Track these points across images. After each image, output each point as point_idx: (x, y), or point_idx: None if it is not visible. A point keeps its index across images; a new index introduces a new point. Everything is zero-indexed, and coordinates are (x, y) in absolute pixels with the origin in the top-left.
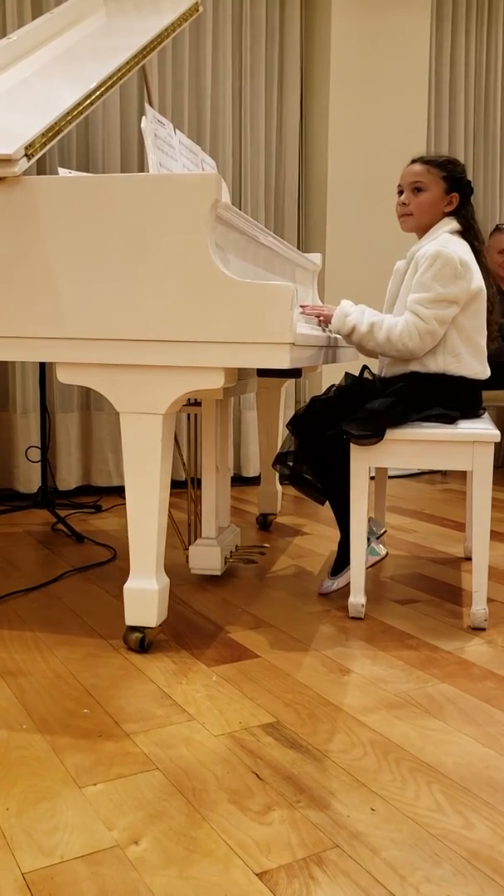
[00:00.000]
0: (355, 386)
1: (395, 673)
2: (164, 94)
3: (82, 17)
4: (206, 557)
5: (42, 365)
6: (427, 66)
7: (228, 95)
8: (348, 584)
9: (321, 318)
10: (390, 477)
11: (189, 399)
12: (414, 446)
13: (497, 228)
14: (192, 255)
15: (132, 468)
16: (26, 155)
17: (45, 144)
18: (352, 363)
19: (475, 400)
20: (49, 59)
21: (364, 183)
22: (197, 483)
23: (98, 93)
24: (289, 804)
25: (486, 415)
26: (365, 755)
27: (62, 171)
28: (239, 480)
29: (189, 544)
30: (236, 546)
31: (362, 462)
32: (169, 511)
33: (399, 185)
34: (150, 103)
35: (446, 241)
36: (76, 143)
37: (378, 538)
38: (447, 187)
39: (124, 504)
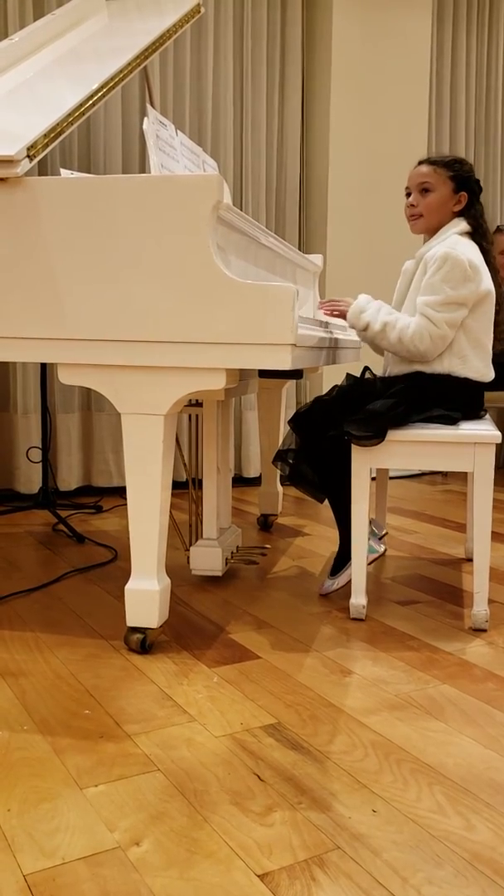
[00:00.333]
0: (356, 387)
1: (396, 674)
2: (165, 95)
3: (84, 18)
4: (207, 558)
5: (43, 365)
6: (428, 66)
7: (230, 96)
8: (348, 583)
9: (336, 312)
10: (391, 478)
11: (190, 400)
12: (415, 447)
13: (498, 229)
14: (194, 256)
15: (133, 469)
16: (28, 156)
17: (46, 145)
18: (353, 364)
19: (477, 401)
20: (51, 60)
21: (365, 184)
22: (198, 484)
23: (100, 94)
24: (290, 805)
25: (487, 416)
26: (366, 756)
27: (64, 172)
28: (240, 481)
29: (190, 545)
30: (237, 547)
31: (363, 463)
32: (170, 512)
33: (407, 188)
34: (152, 104)
35: (455, 242)
36: (78, 144)
37: (380, 539)
38: (455, 187)
39: (125, 504)
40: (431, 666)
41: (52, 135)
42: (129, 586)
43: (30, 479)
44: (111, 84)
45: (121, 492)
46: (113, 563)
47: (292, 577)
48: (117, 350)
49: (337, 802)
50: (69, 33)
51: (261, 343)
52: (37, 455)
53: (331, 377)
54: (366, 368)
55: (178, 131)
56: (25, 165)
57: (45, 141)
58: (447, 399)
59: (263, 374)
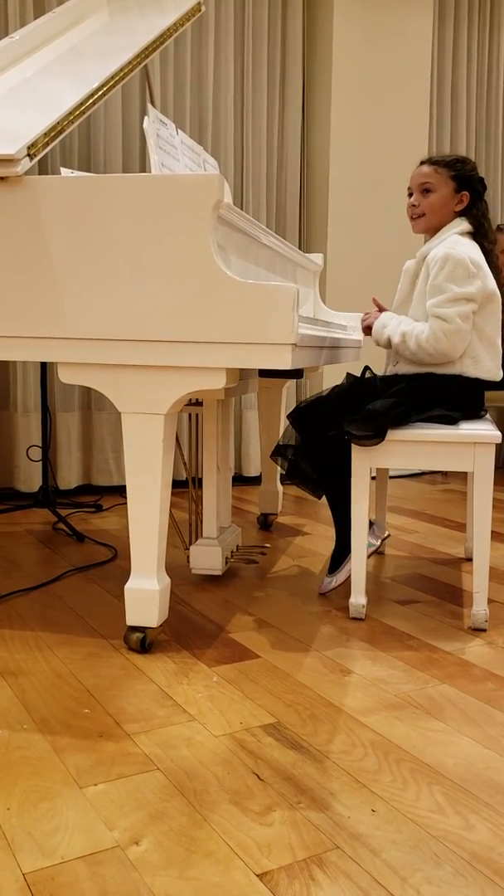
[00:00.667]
0: (356, 386)
1: (395, 674)
2: (165, 94)
3: (85, 16)
4: (206, 557)
5: (43, 364)
6: (429, 65)
7: (230, 95)
8: (348, 581)
9: (364, 325)
10: (391, 477)
11: (190, 399)
12: (415, 447)
13: (498, 228)
14: (195, 256)
15: (134, 468)
16: (28, 155)
17: (47, 144)
18: (353, 363)
19: (478, 401)
20: (51, 58)
21: (365, 183)
22: (198, 482)
23: (100, 92)
24: (289, 805)
25: (487, 416)
26: (365, 756)
27: (64, 171)
28: (240, 480)
29: (190, 544)
30: (237, 546)
31: (363, 462)
32: (170, 511)
33: (409, 188)
34: (153, 103)
35: (455, 242)
36: (78, 142)
37: (383, 541)
38: (456, 186)
39: (125, 503)
40: (431, 665)
41: (53, 133)
42: (128, 585)
43: (30, 478)
44: (112, 83)
45: (121, 490)
46: (113, 561)
47: (292, 576)
48: (117, 349)
49: (336, 802)
50: (70, 31)
51: (261, 343)
52: (37, 454)
53: (331, 376)
54: (366, 368)
55: (179, 130)
56: (26, 164)
57: (46, 140)
58: (449, 399)
59: (263, 373)
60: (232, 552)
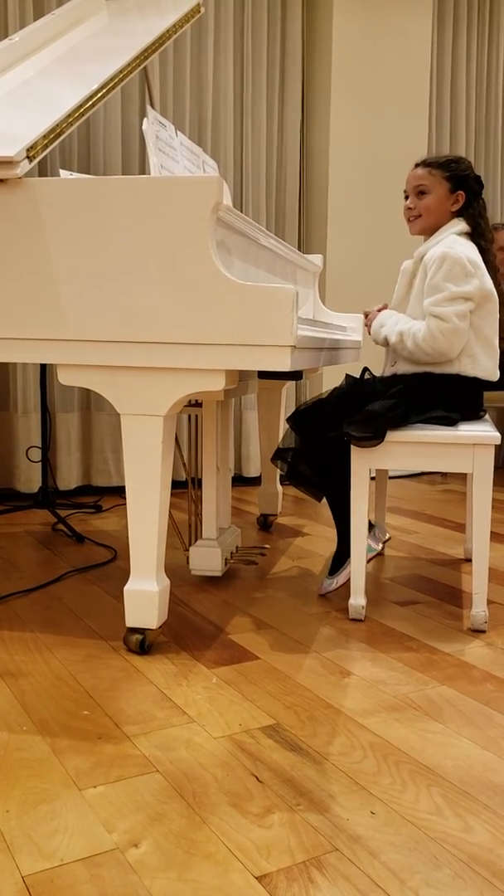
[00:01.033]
0: (356, 387)
1: (394, 675)
2: (165, 95)
3: (84, 17)
4: (206, 558)
5: (43, 365)
6: (428, 65)
7: (230, 96)
8: (347, 582)
9: (366, 323)
10: (390, 477)
11: (190, 400)
12: (414, 448)
13: (495, 227)
14: (194, 257)
15: (133, 470)
16: (28, 157)
17: (46, 146)
18: (353, 364)
19: (476, 401)
20: (51, 59)
21: (365, 183)
22: (197, 483)
23: (100, 94)
24: (288, 807)
25: (486, 416)
26: (365, 758)
27: (63, 173)
28: (240, 481)
29: (189, 545)
30: (237, 547)
31: (363, 464)
32: (169, 512)
33: (405, 191)
34: (152, 104)
35: (453, 242)
36: (77, 144)
37: (384, 543)
38: (451, 186)
39: (125, 504)
40: (430, 667)
41: (52, 135)
42: (128, 587)
43: (29, 479)
44: (111, 84)
45: (120, 491)
46: (112, 562)
47: (292, 577)
48: (117, 351)
49: (335, 804)
50: (69, 33)
51: (261, 344)
52: (36, 454)
53: (330, 377)
54: (365, 369)
55: (178, 132)
56: (25, 166)
57: (45, 142)
58: (449, 399)
59: (263, 374)
60: (231, 553)
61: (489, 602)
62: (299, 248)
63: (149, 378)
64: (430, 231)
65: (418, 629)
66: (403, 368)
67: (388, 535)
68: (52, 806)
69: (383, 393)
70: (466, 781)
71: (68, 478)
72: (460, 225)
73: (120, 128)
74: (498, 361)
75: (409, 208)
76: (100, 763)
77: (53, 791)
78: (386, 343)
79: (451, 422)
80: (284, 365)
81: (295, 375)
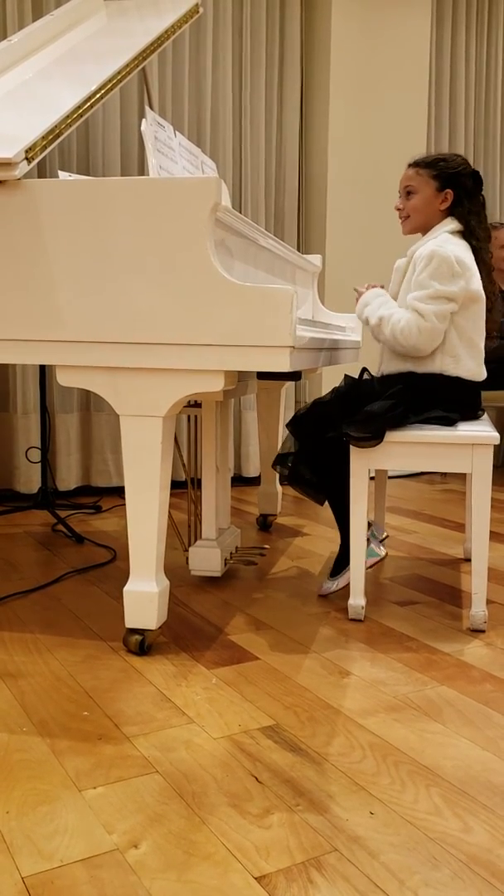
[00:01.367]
0: (354, 388)
1: (394, 675)
2: (163, 96)
3: (83, 18)
4: (206, 559)
5: (42, 366)
6: (427, 64)
7: (228, 96)
8: (348, 584)
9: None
10: (390, 477)
11: (189, 400)
12: (413, 448)
13: (493, 226)
14: (193, 258)
15: (132, 471)
16: (27, 158)
17: (45, 147)
18: (352, 364)
19: (474, 401)
20: (50, 60)
21: (364, 183)
22: (197, 483)
23: (99, 95)
24: (288, 807)
25: (485, 416)
26: (364, 758)
27: (62, 175)
28: (239, 481)
29: (189, 545)
30: (236, 547)
31: (362, 464)
32: (169, 512)
33: (399, 191)
34: (151, 105)
35: (445, 241)
36: (76, 145)
37: (381, 542)
38: (439, 185)
39: (124, 504)
40: (430, 667)
41: (51, 136)
42: (127, 588)
43: (29, 479)
44: (110, 85)
45: (120, 492)
46: (112, 563)
47: (291, 577)
48: (116, 352)
49: (334, 804)
50: (68, 34)
51: (260, 345)
52: (36, 455)
53: (329, 378)
54: (364, 370)
55: (177, 132)
56: (24, 168)
57: (44, 143)
58: (445, 399)
59: (262, 375)
60: (231, 553)
61: (488, 602)
62: (298, 249)
63: (148, 379)
64: (421, 230)
65: (418, 629)
66: (390, 368)
67: (385, 534)
68: (52, 807)
69: (382, 393)
70: (465, 782)
71: (68, 478)
72: (452, 224)
73: (119, 129)
74: (482, 361)
75: (399, 209)
76: (99, 764)
77: (53, 792)
78: (366, 323)
79: (449, 422)
80: (283, 365)
81: (294, 376)
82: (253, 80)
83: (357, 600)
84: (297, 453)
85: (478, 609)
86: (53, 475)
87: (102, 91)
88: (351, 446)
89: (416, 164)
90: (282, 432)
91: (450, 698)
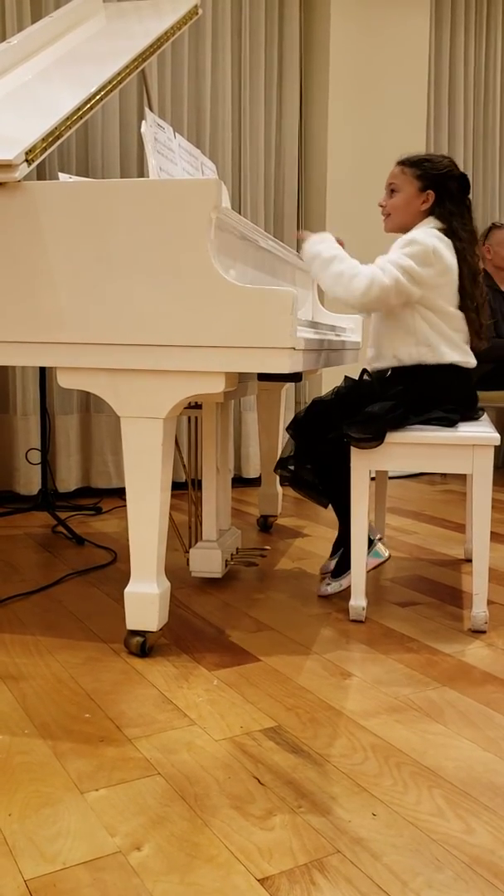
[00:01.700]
0: (354, 389)
1: (395, 676)
2: (163, 97)
3: (82, 20)
4: (206, 560)
5: (42, 367)
6: (426, 65)
7: (228, 97)
8: (349, 586)
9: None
10: (390, 478)
11: (189, 402)
12: (414, 449)
13: (494, 226)
14: (193, 260)
15: (133, 472)
16: (27, 160)
17: (45, 149)
18: (352, 366)
19: (471, 397)
20: (49, 62)
21: (363, 184)
22: (197, 485)
23: (98, 97)
24: (290, 809)
25: (485, 417)
26: (366, 760)
27: (62, 177)
28: (239, 482)
29: (190, 547)
30: (237, 548)
31: (362, 465)
32: (169, 513)
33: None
34: (150, 107)
35: (426, 232)
36: (76, 147)
37: (374, 542)
38: (421, 186)
39: (124, 506)
40: (431, 668)
41: (51, 138)
42: (128, 590)
43: (29, 481)
44: (110, 87)
45: (120, 493)
46: (112, 564)
47: (292, 578)
48: (116, 354)
49: (337, 806)
50: (67, 35)
51: (260, 347)
52: (36, 457)
53: (329, 379)
54: (364, 371)
55: (176, 133)
56: (24, 170)
57: (44, 145)
58: (444, 398)
59: (262, 376)
60: (232, 555)
61: (489, 602)
62: (297, 250)
63: (148, 381)
64: (402, 229)
65: (419, 630)
66: (374, 365)
67: (379, 535)
68: (54, 809)
69: (382, 394)
70: (468, 783)
71: (68, 480)
72: (434, 223)
73: (118, 130)
74: (466, 349)
75: (381, 206)
76: (101, 766)
77: (55, 794)
78: (318, 255)
79: (450, 423)
80: (284, 367)
81: (294, 377)
82: (252, 82)
83: (358, 601)
84: (298, 456)
85: (479, 610)
86: (53, 477)
87: (102, 93)
88: (352, 447)
89: (402, 163)
90: (282, 433)
91: (451, 699)
